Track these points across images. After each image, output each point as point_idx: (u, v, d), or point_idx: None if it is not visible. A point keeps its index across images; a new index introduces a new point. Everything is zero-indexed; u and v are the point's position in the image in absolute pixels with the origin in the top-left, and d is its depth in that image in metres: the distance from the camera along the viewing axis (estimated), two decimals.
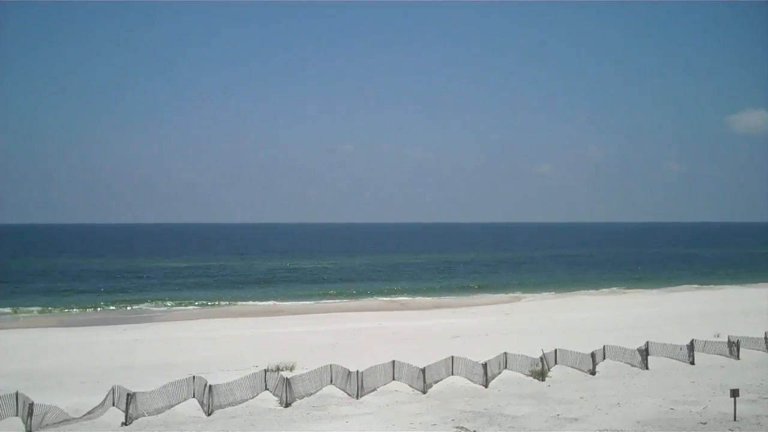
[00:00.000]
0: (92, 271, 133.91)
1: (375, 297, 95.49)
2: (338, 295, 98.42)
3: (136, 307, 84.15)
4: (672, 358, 40.13)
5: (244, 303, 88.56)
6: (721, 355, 41.11)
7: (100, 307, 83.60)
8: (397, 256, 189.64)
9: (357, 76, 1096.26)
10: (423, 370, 33.77)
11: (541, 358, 37.40)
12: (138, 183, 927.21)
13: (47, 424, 25.89)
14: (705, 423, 27.09)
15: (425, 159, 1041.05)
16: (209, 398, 29.28)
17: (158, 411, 28.27)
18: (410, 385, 33.64)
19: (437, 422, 27.66)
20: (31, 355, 46.89)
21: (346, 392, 32.26)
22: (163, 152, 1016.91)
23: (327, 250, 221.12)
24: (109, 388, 28.36)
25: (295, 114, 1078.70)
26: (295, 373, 34.55)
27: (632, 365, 38.85)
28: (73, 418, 26.69)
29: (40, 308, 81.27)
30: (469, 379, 35.01)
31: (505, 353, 37.05)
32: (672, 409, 29.30)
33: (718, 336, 45.97)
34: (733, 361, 40.49)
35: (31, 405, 25.71)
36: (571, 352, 38.60)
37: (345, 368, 32.80)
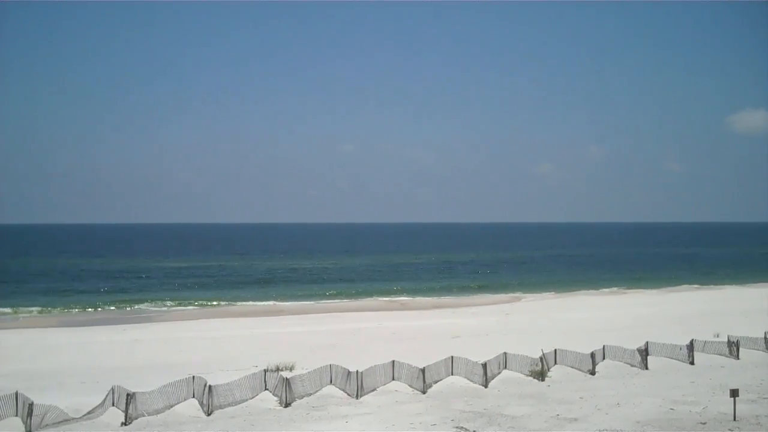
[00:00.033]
0: (92, 271, 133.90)
1: (375, 297, 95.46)
2: (338, 295, 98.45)
3: (136, 307, 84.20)
4: (672, 358, 40.14)
5: (243, 303, 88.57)
6: (720, 355, 41.12)
7: (100, 307, 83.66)
8: (397, 256, 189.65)
9: (357, 76, 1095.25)
10: (423, 370, 33.77)
11: (541, 358, 37.39)
12: (138, 183, 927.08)
13: (47, 424, 25.89)
14: (705, 423, 27.10)
15: (425, 159, 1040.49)
16: (209, 398, 29.30)
17: (158, 411, 28.28)
18: (410, 385, 33.64)
19: (437, 422, 27.68)
20: (31, 355, 46.91)
21: (346, 392, 32.27)
22: (163, 152, 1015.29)
23: (327, 250, 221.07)
24: (109, 388, 28.36)
25: (295, 114, 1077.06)
26: (295, 373, 34.54)
27: (632, 365, 38.85)
28: (73, 418, 26.70)
29: (40, 308, 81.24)
30: (468, 379, 35.02)
31: (505, 353, 37.04)
32: (672, 409, 29.31)
33: (717, 336, 45.96)
34: (732, 361, 40.51)
35: (31, 405, 25.70)
36: (570, 352, 38.60)
37: (345, 368, 32.80)
